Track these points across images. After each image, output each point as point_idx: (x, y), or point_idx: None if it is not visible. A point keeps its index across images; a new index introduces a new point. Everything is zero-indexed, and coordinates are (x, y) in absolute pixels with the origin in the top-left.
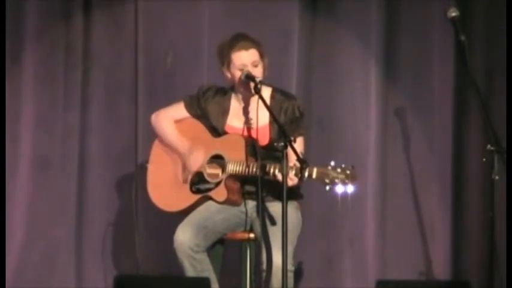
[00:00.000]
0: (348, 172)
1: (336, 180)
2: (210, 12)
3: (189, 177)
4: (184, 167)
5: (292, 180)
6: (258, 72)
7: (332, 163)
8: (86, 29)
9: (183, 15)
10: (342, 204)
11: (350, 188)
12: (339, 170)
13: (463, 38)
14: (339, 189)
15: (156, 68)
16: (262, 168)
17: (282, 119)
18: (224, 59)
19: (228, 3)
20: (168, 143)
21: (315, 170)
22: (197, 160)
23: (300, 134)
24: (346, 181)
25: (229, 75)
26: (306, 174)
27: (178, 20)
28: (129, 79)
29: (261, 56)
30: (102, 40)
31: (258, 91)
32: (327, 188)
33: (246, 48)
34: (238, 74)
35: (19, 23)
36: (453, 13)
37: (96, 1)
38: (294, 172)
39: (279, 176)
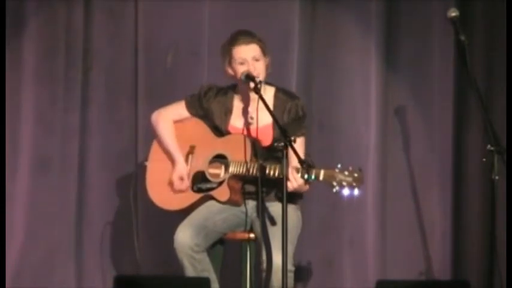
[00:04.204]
0: (356, 175)
1: (344, 183)
2: (210, 12)
3: (191, 176)
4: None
5: (297, 180)
6: (259, 67)
7: (339, 165)
8: (86, 29)
9: (183, 15)
10: (344, 206)
11: (357, 191)
12: (346, 172)
13: (463, 38)
14: (346, 192)
15: (156, 68)
16: (264, 169)
17: (285, 118)
18: (225, 55)
19: (228, 3)
20: (163, 146)
21: (322, 172)
22: (180, 182)
23: (302, 134)
24: (354, 184)
25: (231, 72)
26: (313, 176)
27: (178, 20)
28: (129, 79)
29: (263, 52)
30: (102, 40)
31: (258, 91)
32: (334, 190)
33: (247, 43)
34: (239, 69)
35: (19, 22)
36: (453, 13)
37: (96, 1)
38: (300, 173)
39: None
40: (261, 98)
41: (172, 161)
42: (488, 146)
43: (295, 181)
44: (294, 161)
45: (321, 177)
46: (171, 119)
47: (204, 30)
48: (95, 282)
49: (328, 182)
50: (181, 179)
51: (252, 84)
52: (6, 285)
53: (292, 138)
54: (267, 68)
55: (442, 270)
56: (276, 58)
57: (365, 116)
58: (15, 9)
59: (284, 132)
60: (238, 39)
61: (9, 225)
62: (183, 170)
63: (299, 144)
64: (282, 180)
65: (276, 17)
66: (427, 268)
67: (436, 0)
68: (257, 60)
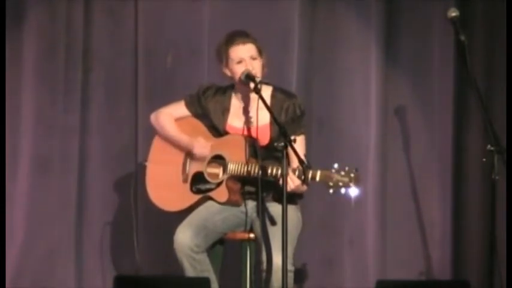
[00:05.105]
0: (352, 175)
1: (340, 184)
2: (210, 12)
3: (190, 177)
4: (185, 167)
5: (293, 181)
6: (256, 67)
7: (336, 165)
8: (86, 29)
9: (183, 15)
10: (344, 206)
11: (354, 191)
12: (342, 173)
13: (463, 38)
14: (343, 192)
15: (156, 68)
16: (263, 169)
17: (282, 118)
18: (222, 56)
19: (228, 3)
20: (169, 139)
21: (318, 173)
22: (204, 146)
23: (302, 133)
24: (350, 184)
25: (228, 73)
26: (309, 176)
27: (178, 20)
28: (129, 79)
29: (259, 51)
30: (102, 40)
31: (258, 91)
32: (331, 191)
33: (243, 43)
34: (237, 69)
35: (18, 22)
36: (453, 13)
37: (96, 1)
38: (297, 174)
39: (281, 180)
40: (261, 98)
41: (173, 161)
42: (488, 146)
43: (292, 182)
44: (293, 161)
45: (317, 178)
46: (171, 116)
47: (204, 30)
48: (95, 282)
49: (324, 183)
50: (204, 147)
51: (252, 84)
52: (6, 285)
53: (292, 137)
54: (264, 67)
55: (442, 270)
56: (276, 57)
57: (365, 115)
58: (15, 9)
59: (284, 132)
60: (234, 39)
61: (9, 225)
62: (199, 140)
63: (299, 143)
64: (279, 182)
65: (276, 16)
66: (427, 268)
67: (436, 0)
68: (254, 59)
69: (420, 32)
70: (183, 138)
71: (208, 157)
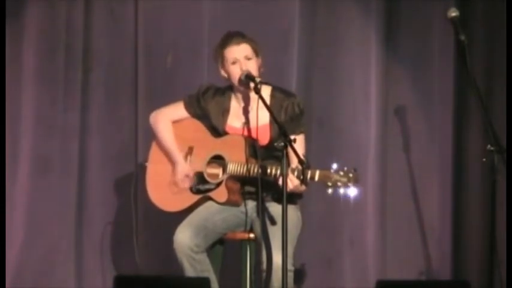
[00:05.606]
0: (351, 175)
1: (339, 184)
2: (210, 12)
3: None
4: None
5: (292, 181)
6: (251, 67)
7: (334, 166)
8: (86, 29)
9: (183, 15)
10: (344, 205)
11: (352, 191)
12: (341, 173)
13: (463, 38)
14: (341, 192)
15: (156, 68)
16: (263, 169)
17: (282, 117)
18: (218, 57)
19: (228, 3)
20: (163, 147)
21: (317, 173)
22: (186, 173)
23: (301, 132)
24: (349, 184)
25: (224, 74)
26: (308, 176)
27: (178, 20)
28: (129, 79)
29: (255, 51)
30: (102, 40)
31: (258, 91)
32: (329, 190)
33: (238, 43)
34: (232, 70)
35: (19, 22)
36: (453, 13)
37: (96, 1)
38: (296, 174)
39: (281, 180)
40: (261, 98)
41: (172, 162)
42: (488, 146)
43: (290, 183)
44: (292, 161)
45: (316, 178)
46: (169, 120)
47: (204, 30)
48: (95, 282)
49: (323, 183)
50: (187, 176)
51: (252, 84)
52: (6, 285)
53: (292, 137)
54: (260, 68)
55: (442, 270)
56: (276, 57)
57: (365, 115)
58: (15, 9)
59: (284, 131)
60: (229, 40)
61: (9, 225)
62: (186, 168)
63: (299, 142)
64: (278, 181)
65: (276, 16)
66: (427, 268)
67: (436, 0)
68: (249, 59)
69: (420, 32)
70: (175, 154)
71: (208, 157)
